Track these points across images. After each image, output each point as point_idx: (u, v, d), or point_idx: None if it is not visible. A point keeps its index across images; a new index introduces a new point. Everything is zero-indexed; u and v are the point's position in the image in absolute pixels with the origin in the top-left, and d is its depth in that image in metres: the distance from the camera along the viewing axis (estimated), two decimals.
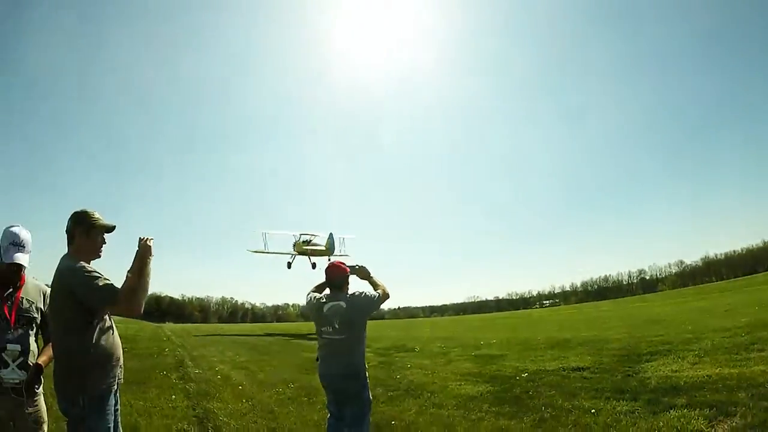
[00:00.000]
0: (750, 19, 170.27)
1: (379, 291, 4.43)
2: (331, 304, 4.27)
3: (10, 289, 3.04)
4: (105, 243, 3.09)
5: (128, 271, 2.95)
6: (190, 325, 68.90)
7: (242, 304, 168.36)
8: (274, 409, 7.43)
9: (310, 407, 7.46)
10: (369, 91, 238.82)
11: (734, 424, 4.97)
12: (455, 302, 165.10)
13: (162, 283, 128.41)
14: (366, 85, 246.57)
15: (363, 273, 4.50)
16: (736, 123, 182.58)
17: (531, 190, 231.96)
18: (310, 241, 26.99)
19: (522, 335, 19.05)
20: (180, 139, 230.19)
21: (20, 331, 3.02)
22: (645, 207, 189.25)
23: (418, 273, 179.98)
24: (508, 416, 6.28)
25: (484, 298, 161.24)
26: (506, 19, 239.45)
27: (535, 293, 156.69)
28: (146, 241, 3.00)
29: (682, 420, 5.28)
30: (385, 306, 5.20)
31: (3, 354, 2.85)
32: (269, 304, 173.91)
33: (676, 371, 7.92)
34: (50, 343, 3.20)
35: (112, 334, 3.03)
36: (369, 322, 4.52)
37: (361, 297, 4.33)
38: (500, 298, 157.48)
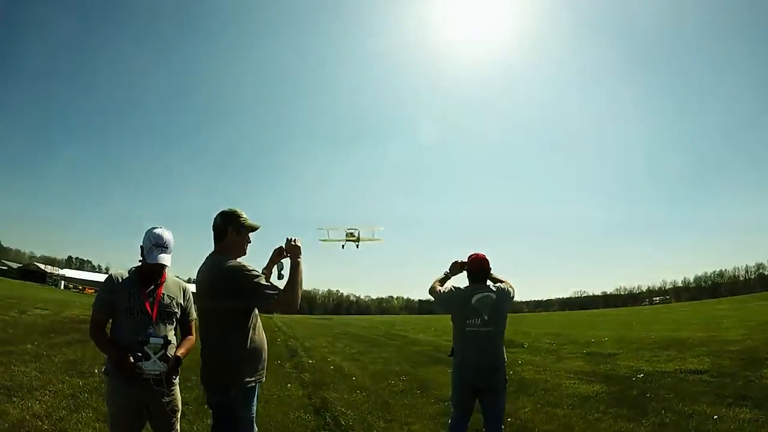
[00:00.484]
0: None
1: (508, 283, 4.36)
2: (480, 295, 4.15)
3: (152, 286, 3.34)
4: (250, 242, 3.35)
5: (263, 269, 3.39)
6: (298, 316, 73.68)
7: (347, 296, 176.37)
8: (388, 401, 7.55)
9: (424, 400, 7.48)
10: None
11: None
12: (561, 297, 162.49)
13: None
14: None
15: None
16: None
17: (639, 179, 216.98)
18: (353, 233, 34.65)
19: (634, 333, 17.84)
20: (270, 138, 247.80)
21: (161, 325, 3.31)
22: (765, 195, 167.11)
23: (520, 265, 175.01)
24: (627, 419, 6.05)
25: (590, 293, 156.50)
26: None
27: (644, 288, 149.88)
28: (294, 241, 3.33)
29: None
30: None
31: (145, 347, 3.14)
32: (373, 296, 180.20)
33: None
34: (189, 336, 3.51)
35: (261, 328, 3.32)
36: None
37: (505, 289, 4.25)
38: (608, 293, 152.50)
